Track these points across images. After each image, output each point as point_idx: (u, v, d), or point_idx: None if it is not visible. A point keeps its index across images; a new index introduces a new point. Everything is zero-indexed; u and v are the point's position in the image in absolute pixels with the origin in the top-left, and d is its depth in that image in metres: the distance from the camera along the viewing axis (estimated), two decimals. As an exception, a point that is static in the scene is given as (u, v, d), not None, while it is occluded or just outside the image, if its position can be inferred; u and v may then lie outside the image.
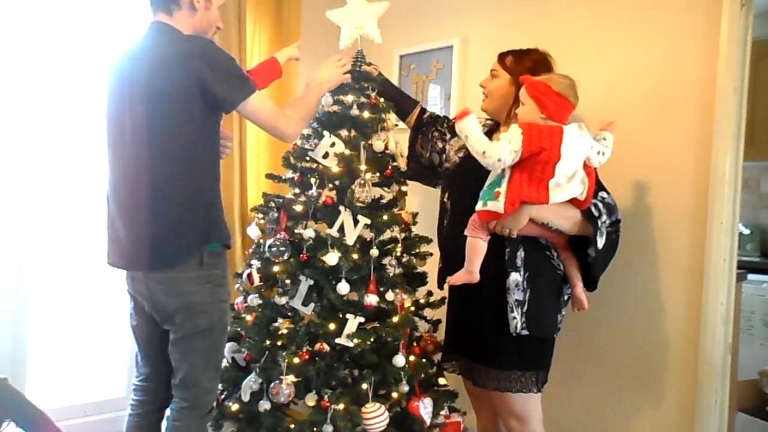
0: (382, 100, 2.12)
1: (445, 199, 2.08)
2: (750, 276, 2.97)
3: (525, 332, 1.78)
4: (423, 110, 2.26)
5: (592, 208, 1.78)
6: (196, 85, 1.70)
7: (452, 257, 1.98)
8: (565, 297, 1.91)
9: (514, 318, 1.78)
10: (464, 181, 1.97)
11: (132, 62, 1.79)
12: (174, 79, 1.70)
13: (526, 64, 1.92)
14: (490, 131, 2.05)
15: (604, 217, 1.79)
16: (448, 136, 2.16)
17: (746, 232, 3.95)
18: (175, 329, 1.78)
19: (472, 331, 1.90)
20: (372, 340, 1.89)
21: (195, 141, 1.75)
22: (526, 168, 1.67)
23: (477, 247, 1.79)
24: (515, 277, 1.79)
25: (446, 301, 2.13)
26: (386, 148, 2.10)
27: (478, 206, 1.75)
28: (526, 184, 1.67)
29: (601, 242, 1.78)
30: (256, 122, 1.85)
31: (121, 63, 1.82)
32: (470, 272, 1.79)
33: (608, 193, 1.85)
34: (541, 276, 1.82)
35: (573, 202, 1.75)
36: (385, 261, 2.04)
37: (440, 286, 2.17)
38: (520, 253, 1.80)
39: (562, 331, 1.91)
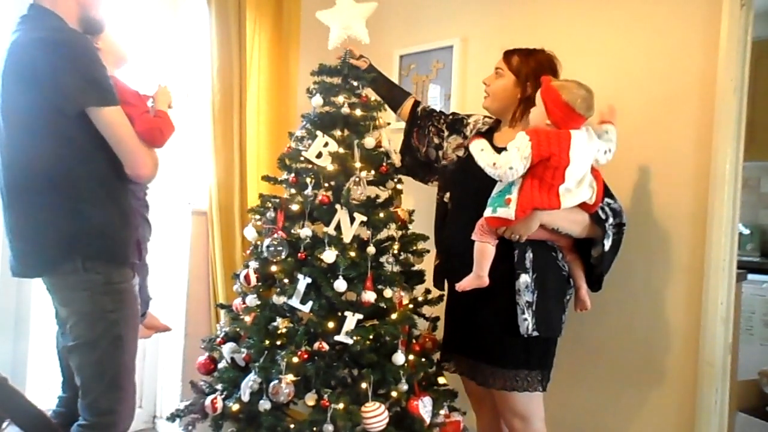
0: (373, 98, 2.13)
1: (445, 199, 2.08)
2: (750, 276, 2.97)
3: (535, 333, 1.78)
4: (416, 102, 2.25)
5: (599, 212, 1.79)
6: (36, 84, 1.53)
7: (453, 257, 1.98)
8: (567, 297, 1.91)
9: (525, 320, 1.77)
10: (466, 180, 1.97)
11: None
12: (22, 73, 1.54)
13: (530, 64, 1.91)
14: (491, 129, 2.05)
15: (611, 220, 1.80)
16: (446, 133, 2.15)
17: (746, 232, 3.95)
18: (67, 338, 1.69)
19: (478, 331, 1.89)
20: (371, 337, 1.89)
21: (48, 149, 1.58)
22: (537, 174, 1.68)
23: (486, 251, 1.78)
24: (525, 279, 1.79)
25: (443, 299, 2.13)
26: (379, 145, 2.10)
27: (487, 212, 1.74)
28: (537, 191, 1.67)
29: (608, 244, 1.79)
30: (113, 138, 1.62)
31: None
32: (480, 277, 1.78)
33: (614, 199, 1.85)
34: (547, 277, 1.82)
35: (581, 206, 1.75)
36: (383, 259, 2.04)
37: (437, 285, 2.16)
38: (529, 255, 1.80)
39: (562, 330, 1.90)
